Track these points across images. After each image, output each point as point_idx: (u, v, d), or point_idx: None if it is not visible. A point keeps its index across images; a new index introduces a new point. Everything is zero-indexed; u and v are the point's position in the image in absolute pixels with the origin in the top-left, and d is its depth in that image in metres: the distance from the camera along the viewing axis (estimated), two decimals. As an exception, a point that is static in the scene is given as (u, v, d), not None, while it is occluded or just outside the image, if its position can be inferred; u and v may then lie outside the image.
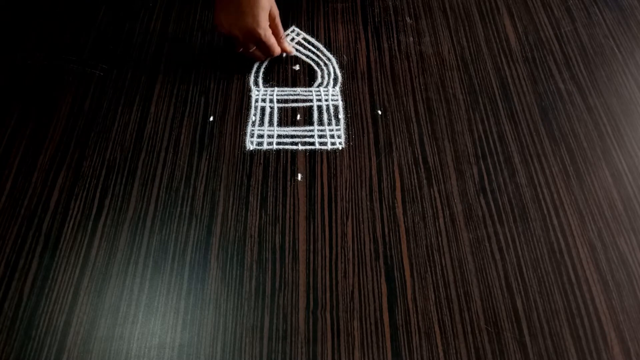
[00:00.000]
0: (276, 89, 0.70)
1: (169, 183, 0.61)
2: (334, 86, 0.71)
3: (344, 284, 0.54)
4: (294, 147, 0.65)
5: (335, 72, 0.72)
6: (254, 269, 0.55)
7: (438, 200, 0.60)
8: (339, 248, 0.56)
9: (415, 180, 0.62)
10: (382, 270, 0.55)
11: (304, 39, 0.76)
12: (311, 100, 0.69)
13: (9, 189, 0.60)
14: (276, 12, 0.69)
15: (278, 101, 0.69)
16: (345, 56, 0.74)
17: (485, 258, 0.56)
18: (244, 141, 0.65)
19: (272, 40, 0.69)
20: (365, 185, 0.61)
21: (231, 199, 0.60)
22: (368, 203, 0.60)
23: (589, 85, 0.72)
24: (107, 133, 0.65)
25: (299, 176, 0.62)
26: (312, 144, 0.65)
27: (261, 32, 0.66)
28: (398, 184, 0.61)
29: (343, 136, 0.66)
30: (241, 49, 0.70)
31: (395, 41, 0.76)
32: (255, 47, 0.69)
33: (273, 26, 0.69)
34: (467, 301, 0.53)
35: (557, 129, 0.67)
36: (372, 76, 0.72)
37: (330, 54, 0.74)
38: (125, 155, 0.63)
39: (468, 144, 0.65)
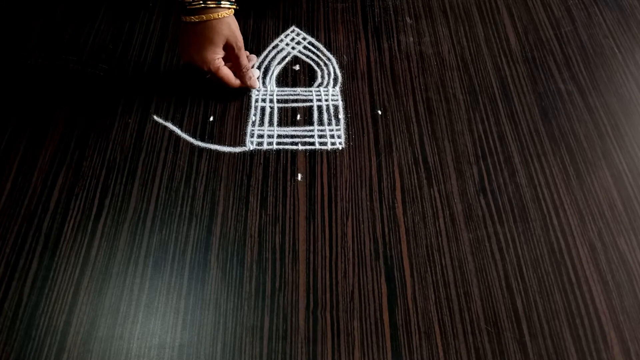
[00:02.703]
0: (276, 89, 0.70)
1: (169, 183, 0.61)
2: (334, 86, 0.71)
3: (344, 284, 0.54)
4: (294, 147, 0.65)
5: (335, 72, 0.72)
6: (254, 269, 0.55)
7: (438, 200, 0.60)
8: (339, 248, 0.56)
9: (415, 180, 0.62)
10: (382, 270, 0.55)
11: (304, 38, 0.76)
12: (311, 100, 0.69)
13: (9, 189, 0.60)
14: (235, 42, 0.64)
15: (278, 101, 0.69)
16: (345, 56, 0.74)
17: (485, 258, 0.56)
18: (244, 141, 0.65)
19: (223, 74, 0.66)
20: (365, 185, 0.61)
21: (231, 199, 0.60)
22: (368, 203, 0.60)
23: (589, 85, 0.72)
24: (107, 133, 0.65)
25: (299, 176, 0.62)
26: (312, 144, 0.65)
27: (205, 66, 0.64)
28: (398, 184, 0.61)
29: (343, 136, 0.66)
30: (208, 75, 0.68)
31: (395, 41, 0.76)
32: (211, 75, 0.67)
33: (233, 57, 0.66)
34: (467, 301, 0.53)
35: (557, 129, 0.67)
36: (372, 76, 0.72)
37: (330, 54, 0.74)
38: (125, 155, 0.63)
39: (468, 144, 0.65)
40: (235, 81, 0.67)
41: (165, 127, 0.66)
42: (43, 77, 0.70)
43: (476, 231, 0.58)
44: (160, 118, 0.66)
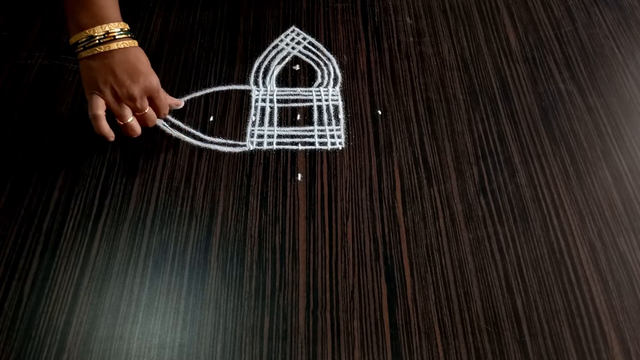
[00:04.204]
0: (276, 89, 0.70)
1: (169, 183, 0.61)
2: (334, 86, 0.71)
3: (344, 284, 0.54)
4: (294, 147, 0.65)
5: (335, 72, 0.72)
6: (254, 269, 0.55)
7: (438, 200, 0.60)
8: (339, 248, 0.56)
9: (415, 180, 0.62)
10: (382, 270, 0.55)
11: (304, 38, 0.76)
12: (311, 100, 0.69)
13: (9, 189, 0.60)
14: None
15: (278, 101, 0.69)
16: (345, 56, 0.74)
17: (485, 258, 0.56)
18: (244, 141, 0.65)
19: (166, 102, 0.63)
20: (365, 185, 0.61)
21: (231, 199, 0.60)
22: (368, 203, 0.60)
23: (589, 85, 0.72)
24: (107, 133, 0.65)
25: (299, 176, 0.62)
26: (312, 144, 0.65)
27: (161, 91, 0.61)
28: (398, 184, 0.61)
29: (343, 136, 0.66)
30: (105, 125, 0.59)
31: (395, 41, 0.76)
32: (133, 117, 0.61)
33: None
34: (467, 301, 0.53)
35: (557, 129, 0.67)
36: (372, 76, 0.72)
37: (330, 54, 0.74)
38: (125, 155, 0.63)
39: (468, 144, 0.65)
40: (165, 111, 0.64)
41: (164, 127, 0.66)
42: (43, 77, 0.70)
43: (476, 231, 0.58)
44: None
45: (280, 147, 0.65)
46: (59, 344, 0.50)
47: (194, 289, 0.53)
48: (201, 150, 0.64)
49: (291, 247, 0.56)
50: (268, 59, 0.74)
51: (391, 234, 0.57)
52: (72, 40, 0.58)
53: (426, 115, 0.68)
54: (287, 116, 0.68)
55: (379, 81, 0.71)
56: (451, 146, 0.65)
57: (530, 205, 0.60)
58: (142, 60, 0.60)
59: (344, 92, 0.70)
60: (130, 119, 0.60)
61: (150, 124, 0.63)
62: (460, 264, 0.55)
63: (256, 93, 0.70)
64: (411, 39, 0.77)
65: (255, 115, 0.68)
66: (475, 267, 0.55)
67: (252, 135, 0.66)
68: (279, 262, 0.55)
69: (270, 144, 0.65)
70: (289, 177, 0.62)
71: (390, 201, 0.60)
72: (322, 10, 0.80)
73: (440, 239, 0.57)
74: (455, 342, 0.51)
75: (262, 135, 0.66)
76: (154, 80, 0.60)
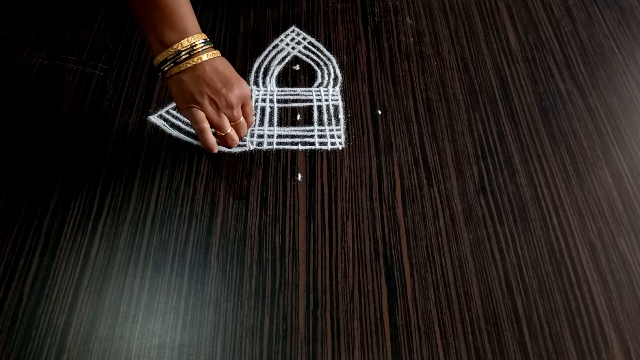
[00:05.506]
0: (276, 89, 0.70)
1: (169, 183, 0.61)
2: (334, 86, 0.71)
3: (344, 284, 0.54)
4: (294, 147, 0.65)
5: (335, 72, 0.72)
6: (254, 269, 0.55)
7: (438, 200, 0.60)
8: (339, 248, 0.56)
9: (415, 180, 0.62)
10: (382, 270, 0.55)
11: (304, 38, 0.76)
12: (311, 100, 0.69)
13: (9, 189, 0.60)
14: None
15: (278, 101, 0.69)
16: (345, 56, 0.74)
17: (485, 258, 0.56)
18: (244, 141, 0.65)
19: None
20: (365, 185, 0.61)
21: (231, 199, 0.60)
22: (368, 203, 0.60)
23: (589, 85, 0.72)
24: (107, 133, 0.65)
25: (299, 176, 0.62)
26: (312, 144, 0.65)
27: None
28: (398, 184, 0.61)
29: (343, 136, 0.66)
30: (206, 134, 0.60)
31: (395, 41, 0.76)
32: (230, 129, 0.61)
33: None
34: (467, 301, 0.53)
35: (557, 129, 0.67)
36: (372, 76, 0.72)
37: (330, 54, 0.74)
38: (125, 155, 0.63)
39: (468, 144, 0.65)
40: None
41: (164, 127, 0.66)
42: (43, 77, 0.70)
43: (476, 231, 0.58)
44: (160, 118, 0.66)
45: (280, 147, 0.65)
46: (59, 344, 0.50)
47: (194, 289, 0.53)
48: (201, 150, 0.64)
49: (291, 247, 0.56)
50: (268, 59, 0.74)
51: (391, 234, 0.57)
52: (160, 58, 0.57)
53: (426, 115, 0.68)
54: (287, 116, 0.68)
55: (379, 81, 0.71)
56: (451, 146, 0.65)
57: (530, 205, 0.60)
58: (231, 68, 0.60)
59: (344, 92, 0.70)
60: (230, 128, 0.60)
61: (243, 134, 0.63)
62: (460, 264, 0.55)
63: (256, 93, 0.70)
64: (411, 39, 0.77)
65: (255, 115, 0.68)
66: (475, 267, 0.55)
67: (252, 135, 0.66)
68: (279, 262, 0.55)
69: (270, 144, 0.65)
70: (289, 177, 0.62)
71: (390, 201, 0.60)
72: (322, 10, 0.80)
73: (440, 239, 0.57)
74: (455, 342, 0.51)
75: (262, 135, 0.66)
76: (246, 86, 0.60)
